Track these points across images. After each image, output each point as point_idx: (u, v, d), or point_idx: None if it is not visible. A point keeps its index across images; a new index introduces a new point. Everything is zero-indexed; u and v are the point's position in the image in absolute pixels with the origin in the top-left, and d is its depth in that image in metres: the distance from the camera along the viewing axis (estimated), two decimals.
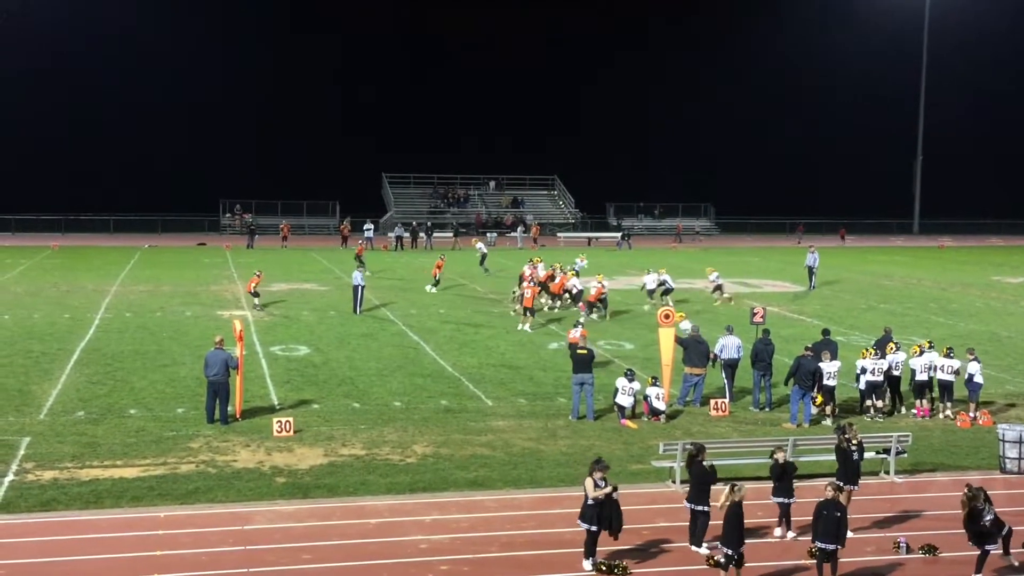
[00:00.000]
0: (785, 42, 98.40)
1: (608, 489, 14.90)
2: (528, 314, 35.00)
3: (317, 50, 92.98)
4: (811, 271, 48.14)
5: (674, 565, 15.36)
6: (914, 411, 24.36)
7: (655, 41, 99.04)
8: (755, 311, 28.12)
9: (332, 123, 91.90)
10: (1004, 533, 15.05)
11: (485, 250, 53.79)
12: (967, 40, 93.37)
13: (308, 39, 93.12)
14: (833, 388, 23.65)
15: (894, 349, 24.67)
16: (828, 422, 23.28)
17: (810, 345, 24.38)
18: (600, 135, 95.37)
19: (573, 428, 22.66)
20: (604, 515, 14.92)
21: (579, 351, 23.72)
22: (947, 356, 24.64)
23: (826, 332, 26.51)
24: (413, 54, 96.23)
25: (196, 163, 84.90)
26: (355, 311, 37.43)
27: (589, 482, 14.97)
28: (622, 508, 15.06)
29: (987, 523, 14.81)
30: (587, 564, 14.99)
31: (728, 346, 25.25)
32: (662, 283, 40.67)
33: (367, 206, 79.25)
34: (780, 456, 16.42)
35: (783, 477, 16.29)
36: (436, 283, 44.45)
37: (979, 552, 14.92)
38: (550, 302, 39.24)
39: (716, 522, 16.27)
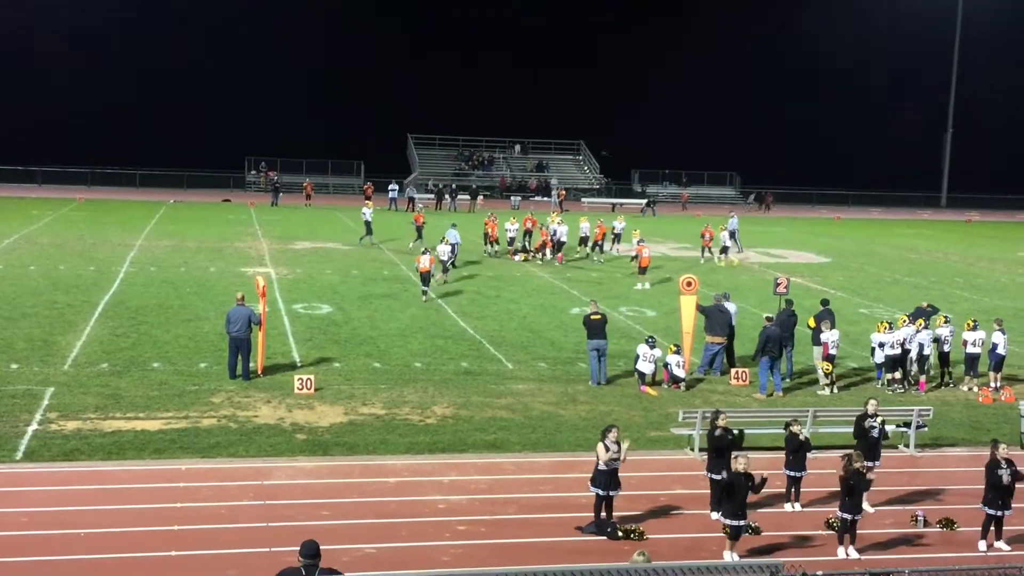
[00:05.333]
0: (817, 11, 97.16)
1: (625, 446, 15.02)
2: (643, 273, 37.56)
3: (347, 10, 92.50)
4: (733, 235, 47.31)
5: (690, 531, 15.40)
6: (918, 386, 24.20)
7: (688, 5, 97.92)
8: (779, 281, 28.02)
9: (360, 82, 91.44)
10: (999, 515, 15.08)
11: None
12: (1002, 11, 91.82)
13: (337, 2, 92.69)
14: (834, 357, 23.77)
15: (922, 324, 24.51)
16: (826, 392, 23.29)
17: (771, 315, 24.76)
18: (626, 101, 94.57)
19: (592, 393, 22.68)
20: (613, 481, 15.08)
21: (593, 316, 23.67)
22: (972, 329, 24.54)
23: (825, 302, 26.49)
24: (441, 16, 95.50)
25: (223, 119, 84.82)
26: (445, 270, 36.17)
27: (601, 447, 15.07)
28: (641, 474, 15.08)
29: (1003, 475, 14.92)
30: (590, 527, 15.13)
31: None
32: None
33: (392, 167, 79.04)
34: (797, 429, 16.38)
35: (799, 451, 16.27)
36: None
37: (985, 517, 15.10)
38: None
39: None
